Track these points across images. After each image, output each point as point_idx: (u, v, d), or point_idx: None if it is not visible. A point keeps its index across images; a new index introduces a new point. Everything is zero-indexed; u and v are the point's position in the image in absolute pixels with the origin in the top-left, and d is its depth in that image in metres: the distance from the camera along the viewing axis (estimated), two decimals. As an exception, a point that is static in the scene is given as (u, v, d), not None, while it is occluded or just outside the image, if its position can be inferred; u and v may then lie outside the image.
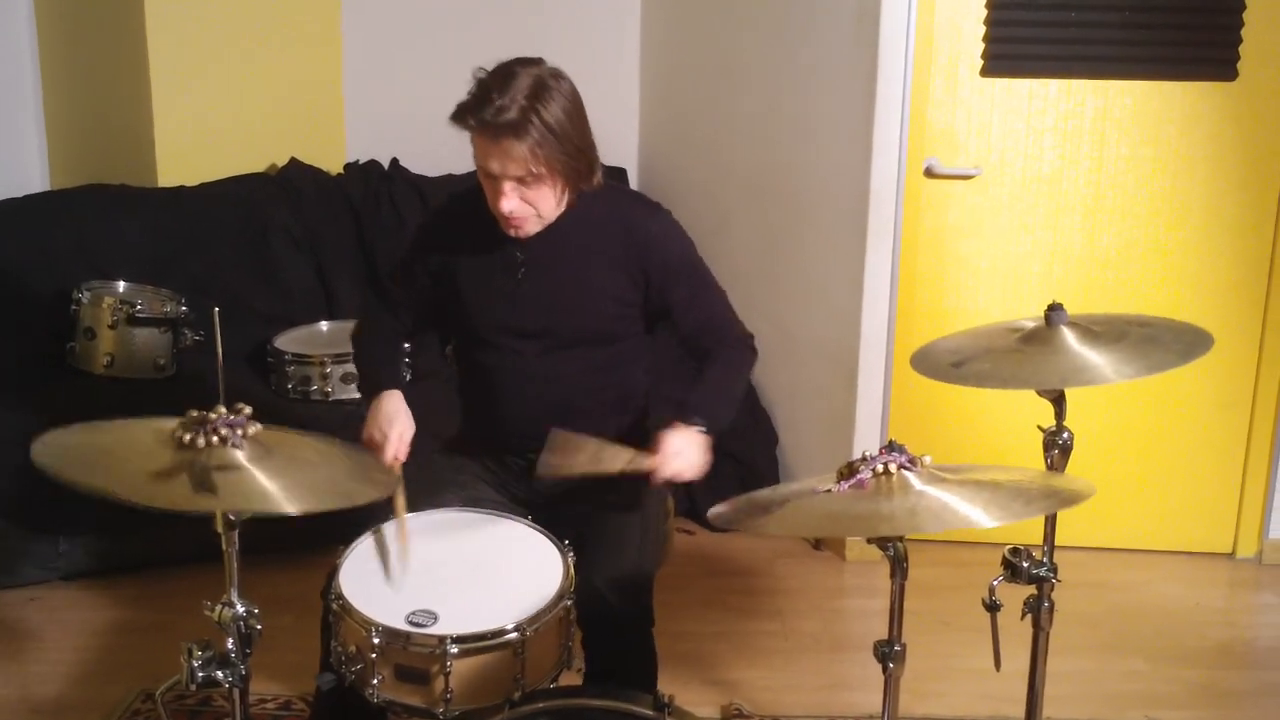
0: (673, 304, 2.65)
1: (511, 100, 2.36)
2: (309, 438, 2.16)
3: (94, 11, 4.69)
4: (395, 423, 2.57)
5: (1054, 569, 2.37)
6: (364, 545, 2.36)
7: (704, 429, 2.51)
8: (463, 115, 2.40)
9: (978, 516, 1.83)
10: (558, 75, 2.47)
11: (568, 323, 2.62)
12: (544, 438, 2.54)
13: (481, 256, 2.63)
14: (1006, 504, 1.88)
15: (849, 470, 1.96)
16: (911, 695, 3.16)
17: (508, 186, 2.44)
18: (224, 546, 1.90)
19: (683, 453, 2.45)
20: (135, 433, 1.98)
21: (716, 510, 2.06)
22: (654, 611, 2.61)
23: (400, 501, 2.43)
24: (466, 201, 2.63)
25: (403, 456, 2.54)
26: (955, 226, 3.94)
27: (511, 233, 2.53)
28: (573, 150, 2.46)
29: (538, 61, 2.47)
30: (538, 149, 2.38)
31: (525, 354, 2.63)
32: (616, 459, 2.44)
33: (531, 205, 2.48)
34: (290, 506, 1.84)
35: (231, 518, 1.87)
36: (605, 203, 2.64)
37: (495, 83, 2.39)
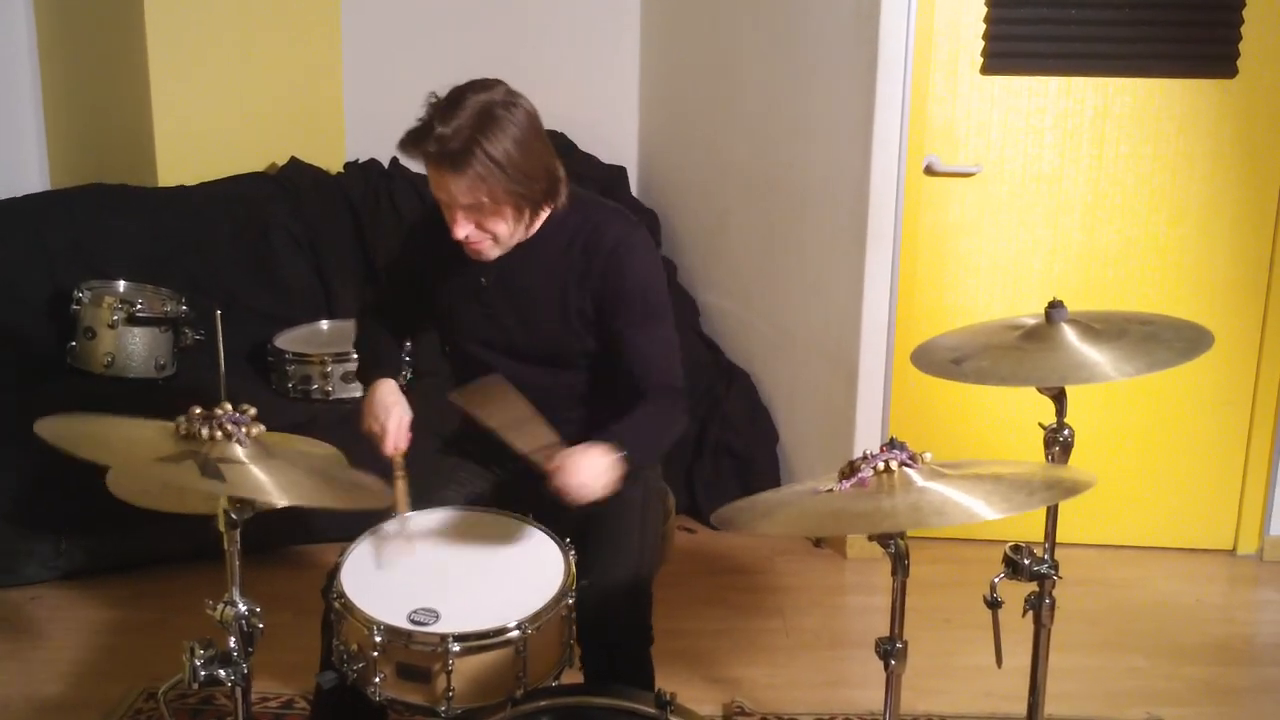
0: (613, 331, 2.54)
1: (455, 131, 2.32)
2: (311, 446, 2.18)
3: (93, 11, 4.70)
4: (392, 412, 2.53)
5: (1055, 566, 2.37)
6: (365, 543, 2.36)
7: (624, 457, 2.36)
8: (406, 144, 2.38)
9: (980, 509, 1.83)
10: (510, 102, 2.40)
11: (530, 340, 2.59)
12: None
13: (451, 267, 2.61)
14: (1009, 496, 1.88)
15: (850, 469, 1.96)
16: (913, 692, 3.16)
17: (459, 214, 2.41)
18: (225, 545, 1.90)
19: (593, 473, 2.31)
20: (138, 428, 1.99)
21: (720, 513, 2.06)
22: (652, 614, 2.59)
23: (402, 489, 2.42)
24: (437, 219, 2.62)
25: (403, 445, 2.51)
26: (955, 224, 3.94)
27: (473, 257, 2.50)
28: (523, 180, 2.39)
29: (492, 85, 2.42)
30: (480, 181, 2.34)
31: (499, 366, 2.58)
32: (529, 440, 2.35)
33: (487, 231, 2.45)
34: (293, 498, 1.86)
35: (234, 516, 1.87)
36: (578, 219, 2.57)
37: (440, 111, 2.35)
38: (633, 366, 2.53)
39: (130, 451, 1.90)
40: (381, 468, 2.35)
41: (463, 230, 2.42)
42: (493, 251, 2.50)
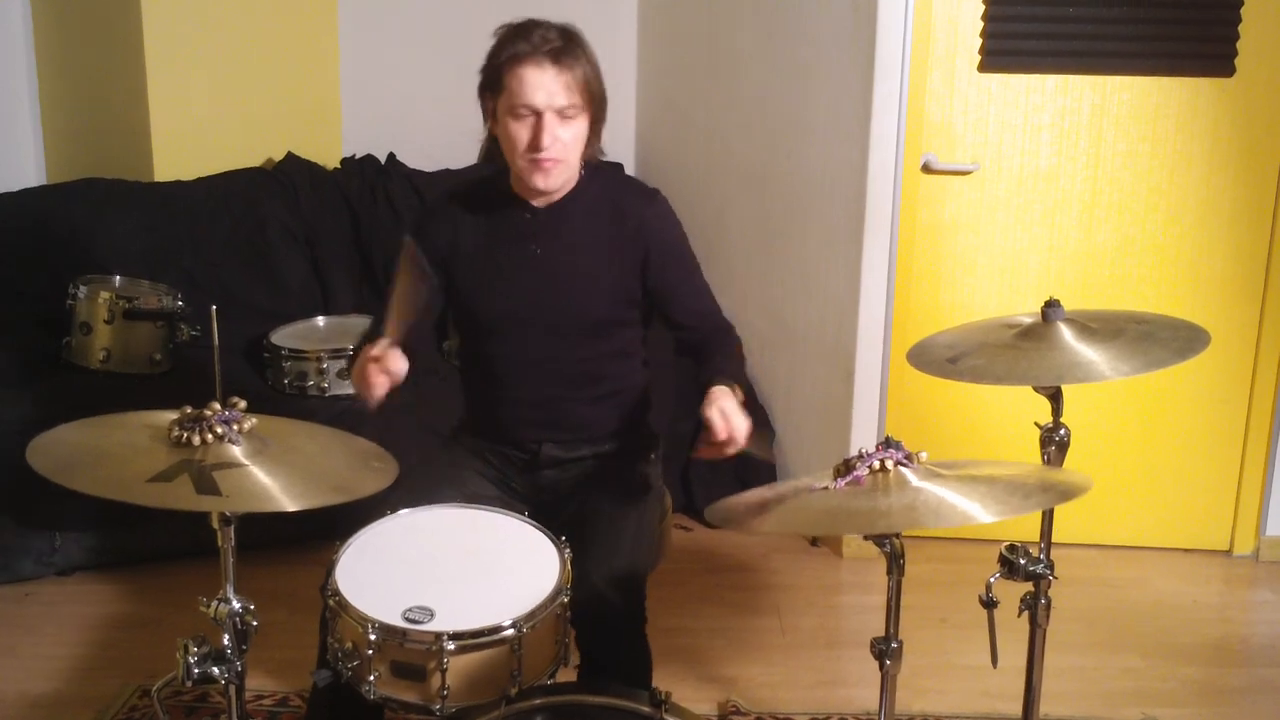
0: (668, 285, 2.66)
1: (557, 33, 2.47)
2: (305, 427, 2.17)
3: (90, 5, 4.69)
4: (379, 347, 2.42)
5: (1051, 566, 2.37)
6: (360, 540, 2.35)
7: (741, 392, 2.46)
8: (511, 43, 2.47)
9: (975, 511, 1.83)
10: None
11: (566, 308, 2.62)
12: (544, 428, 2.61)
13: (481, 245, 2.64)
14: (1004, 498, 1.88)
15: (845, 467, 1.96)
16: (908, 692, 3.17)
17: (549, 119, 2.46)
18: (220, 543, 1.90)
19: (740, 415, 2.36)
20: (131, 433, 1.98)
21: (714, 509, 2.06)
22: (646, 609, 2.60)
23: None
24: (469, 190, 2.64)
25: (392, 367, 2.39)
26: (952, 222, 3.94)
27: (539, 181, 2.51)
28: (601, 94, 2.54)
29: None
30: (581, 82, 2.47)
31: (526, 343, 2.63)
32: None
33: (566, 147, 2.50)
34: (292, 503, 1.85)
35: (228, 514, 1.87)
36: (602, 186, 2.67)
37: (532, 22, 2.49)
38: (698, 316, 2.70)
39: (123, 472, 1.88)
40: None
41: (550, 136, 2.46)
42: (560, 175, 2.54)
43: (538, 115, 2.46)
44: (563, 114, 2.47)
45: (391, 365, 2.38)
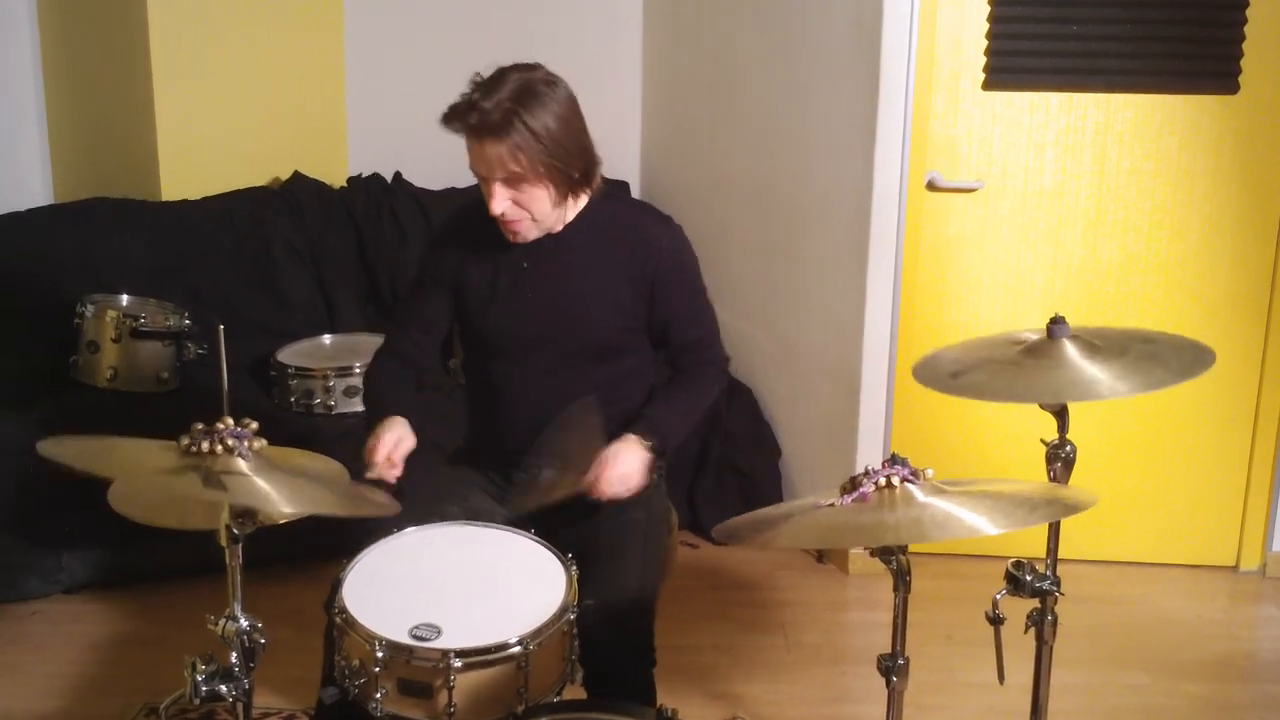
0: (669, 314, 2.66)
1: (495, 104, 2.40)
2: (313, 460, 2.18)
3: (97, 24, 4.71)
4: (393, 429, 2.54)
5: (1057, 582, 2.37)
6: (367, 558, 2.36)
7: (653, 447, 2.55)
8: (449, 117, 2.45)
9: (982, 524, 1.84)
10: (551, 81, 2.50)
11: (571, 333, 2.62)
12: (546, 450, 2.59)
13: (488, 265, 2.65)
14: (1011, 511, 1.88)
15: (852, 484, 1.96)
16: (914, 708, 3.14)
17: (496, 188, 2.47)
18: (227, 560, 1.90)
19: (626, 474, 2.49)
20: (142, 448, 2.00)
21: (721, 527, 2.06)
22: (654, 630, 2.60)
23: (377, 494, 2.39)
24: (475, 212, 2.64)
25: (396, 461, 2.50)
26: (957, 239, 3.94)
27: (510, 237, 2.54)
28: (562, 155, 2.47)
29: (534, 67, 2.51)
30: (518, 151, 2.41)
31: (531, 365, 2.63)
32: (562, 490, 2.51)
33: (524, 208, 2.50)
34: (296, 506, 1.86)
35: (235, 531, 1.87)
36: (614, 212, 2.66)
37: (483, 87, 2.44)
38: (690, 347, 2.72)
39: (133, 465, 1.90)
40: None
41: (499, 205, 2.47)
42: (531, 232, 2.55)
43: (486, 180, 2.48)
44: (510, 182, 2.47)
45: (400, 457, 2.51)
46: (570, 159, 2.49)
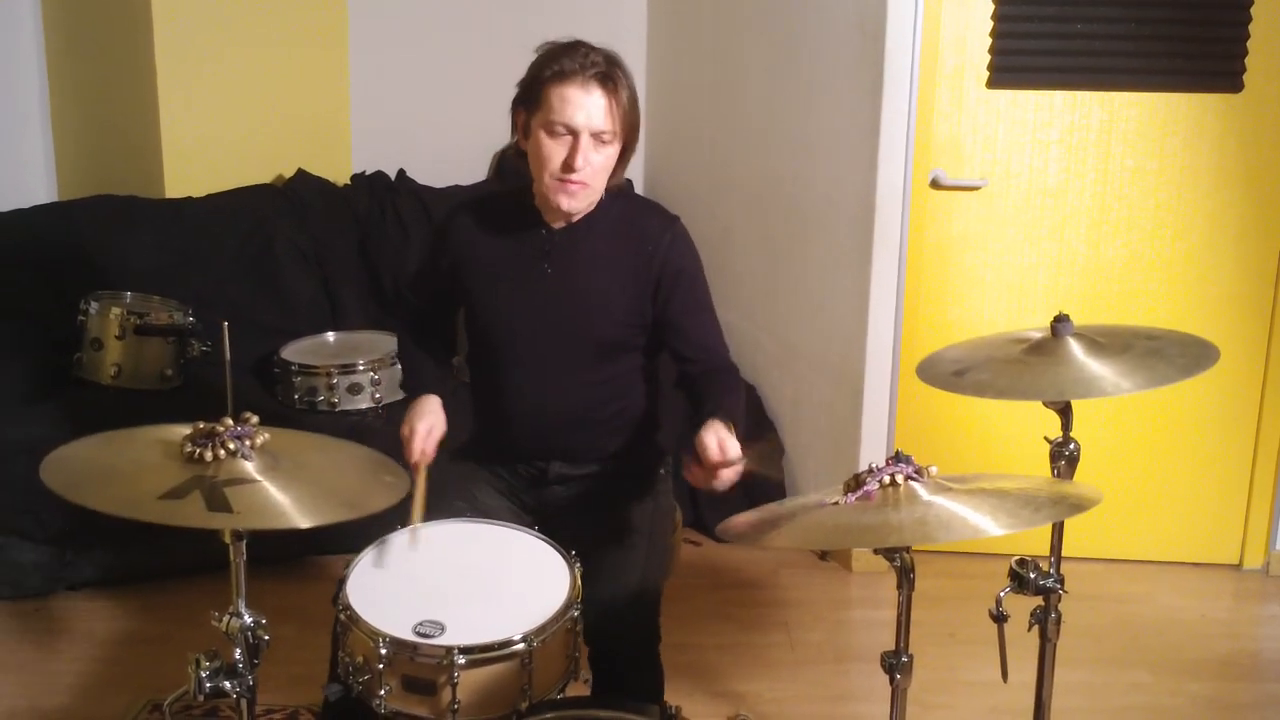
0: (675, 314, 2.62)
1: (603, 57, 2.47)
2: (317, 440, 2.18)
3: (101, 24, 4.71)
4: (426, 419, 2.56)
5: (1061, 580, 2.37)
6: (371, 555, 2.36)
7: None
8: (557, 59, 2.46)
9: (986, 525, 1.83)
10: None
11: (577, 328, 2.61)
12: (552, 446, 2.60)
13: (499, 256, 2.64)
14: (1015, 511, 1.87)
15: (855, 483, 1.96)
16: (918, 707, 3.16)
17: (586, 141, 2.45)
18: (232, 558, 1.90)
19: (731, 439, 2.37)
20: (143, 449, 1.99)
21: (725, 525, 2.06)
22: (660, 625, 2.61)
23: (419, 499, 2.43)
24: (490, 202, 2.63)
25: (430, 452, 2.52)
26: (961, 238, 3.94)
27: (563, 202, 2.50)
28: (635, 125, 2.53)
29: None
30: (617, 106, 2.46)
31: (535, 361, 2.63)
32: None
33: (595, 172, 2.50)
34: (304, 520, 1.86)
35: (239, 529, 1.87)
36: (622, 208, 2.65)
37: (580, 42, 2.49)
38: (702, 350, 2.65)
39: (135, 490, 1.88)
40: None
41: (583, 159, 2.45)
42: (581, 202, 2.53)
43: (574, 136, 2.45)
44: (599, 138, 2.46)
45: (432, 447, 2.53)
46: (634, 133, 2.54)
